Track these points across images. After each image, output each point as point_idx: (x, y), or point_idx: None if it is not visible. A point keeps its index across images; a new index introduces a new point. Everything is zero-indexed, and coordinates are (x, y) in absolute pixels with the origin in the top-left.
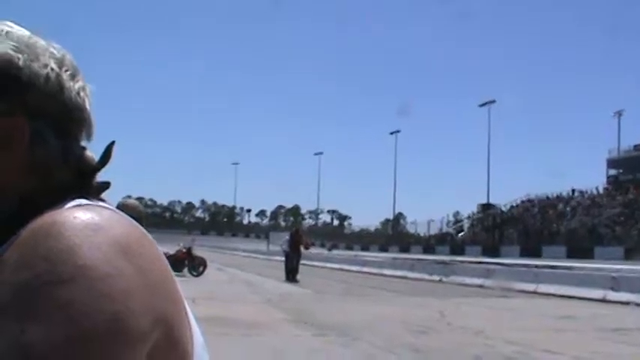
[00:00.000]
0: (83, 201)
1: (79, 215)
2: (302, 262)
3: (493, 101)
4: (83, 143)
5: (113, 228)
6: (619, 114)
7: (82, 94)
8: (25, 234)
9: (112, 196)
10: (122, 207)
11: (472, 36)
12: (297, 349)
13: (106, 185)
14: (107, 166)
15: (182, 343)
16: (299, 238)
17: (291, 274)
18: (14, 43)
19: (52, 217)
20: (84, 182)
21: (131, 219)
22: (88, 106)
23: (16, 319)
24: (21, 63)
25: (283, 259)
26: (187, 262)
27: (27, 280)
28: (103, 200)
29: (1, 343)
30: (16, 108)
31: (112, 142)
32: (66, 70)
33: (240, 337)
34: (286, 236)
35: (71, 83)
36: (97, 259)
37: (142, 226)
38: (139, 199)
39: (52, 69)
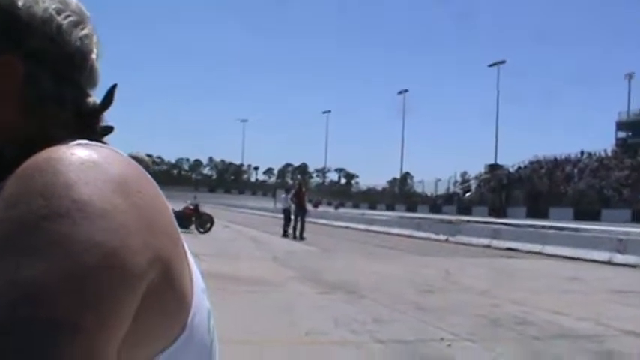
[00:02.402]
0: (83, 141)
1: (76, 152)
2: (309, 220)
3: (503, 62)
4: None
5: (111, 165)
6: (630, 76)
7: (86, 41)
8: (20, 170)
9: (123, 152)
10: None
11: None
12: (302, 306)
13: (109, 129)
14: (117, 124)
15: (180, 283)
16: (302, 194)
17: (293, 231)
18: None
19: (49, 153)
20: (85, 125)
21: (130, 158)
22: (93, 55)
23: (11, 254)
24: (20, 4)
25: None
26: (194, 219)
27: (22, 215)
28: (105, 143)
29: None
30: (11, 46)
31: (114, 85)
32: (68, 16)
33: (246, 293)
34: (282, 194)
35: (74, 29)
36: (94, 194)
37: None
38: (148, 156)
39: (51, 14)
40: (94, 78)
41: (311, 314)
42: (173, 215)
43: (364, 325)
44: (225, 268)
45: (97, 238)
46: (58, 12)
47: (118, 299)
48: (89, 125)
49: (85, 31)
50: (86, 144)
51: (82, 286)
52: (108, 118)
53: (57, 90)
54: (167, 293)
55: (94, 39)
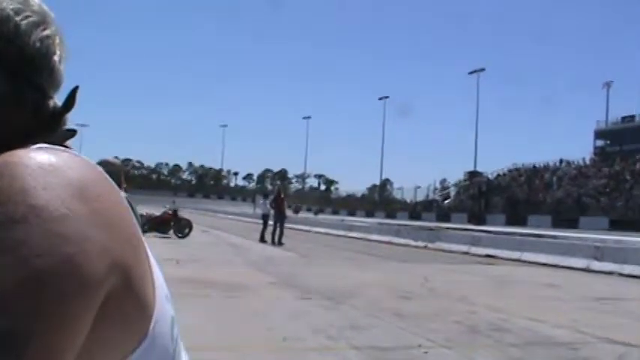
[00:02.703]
0: (44, 145)
1: (34, 156)
2: (288, 226)
3: (483, 69)
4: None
5: (70, 169)
6: (608, 85)
7: (47, 42)
8: None
9: (102, 156)
10: (102, 163)
11: (460, 4)
12: (279, 312)
13: (72, 132)
14: (96, 127)
15: (142, 290)
16: (281, 200)
17: (272, 237)
18: None
19: (6, 157)
20: (46, 128)
21: (93, 163)
22: (55, 56)
23: None
24: None
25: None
26: (173, 224)
27: None
28: (67, 147)
29: None
30: None
31: (76, 87)
32: (27, 17)
33: (223, 298)
34: (261, 199)
35: (34, 30)
36: (51, 199)
37: (121, 182)
38: (127, 160)
39: (9, 14)
40: (56, 80)
41: (288, 320)
42: (135, 220)
43: (341, 332)
44: (203, 274)
45: (53, 244)
46: (17, 12)
47: (74, 307)
48: (50, 128)
49: (46, 32)
50: (46, 147)
51: (37, 293)
52: (82, 119)
53: (15, 92)
54: (127, 301)
55: (57, 40)
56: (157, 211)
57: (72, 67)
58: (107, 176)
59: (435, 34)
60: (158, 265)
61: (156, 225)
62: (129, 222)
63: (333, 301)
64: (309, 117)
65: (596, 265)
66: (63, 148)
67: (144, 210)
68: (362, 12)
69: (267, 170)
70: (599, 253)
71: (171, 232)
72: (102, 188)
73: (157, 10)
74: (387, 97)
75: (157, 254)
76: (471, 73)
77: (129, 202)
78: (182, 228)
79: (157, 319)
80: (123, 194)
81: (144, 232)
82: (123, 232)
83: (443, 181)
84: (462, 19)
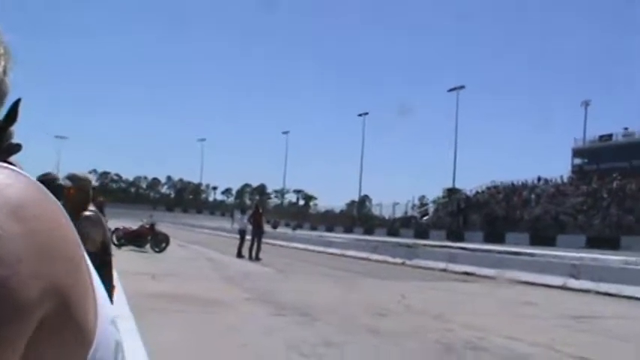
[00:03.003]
0: None
1: None
2: (266, 241)
3: (462, 87)
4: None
5: (8, 187)
6: (586, 104)
7: None
8: None
9: (81, 169)
10: (70, 177)
11: (440, 22)
12: (253, 328)
13: (16, 147)
14: (76, 140)
15: (81, 315)
16: (259, 215)
17: (249, 252)
18: None
19: None
20: None
21: (34, 181)
22: None
23: None
24: None
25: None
26: (150, 238)
27: None
28: (10, 163)
29: None
30: None
31: (18, 100)
32: None
33: (197, 314)
34: (239, 214)
35: None
36: None
37: (89, 196)
38: (105, 173)
39: None
40: (0, 92)
41: (262, 336)
42: (79, 242)
43: (315, 349)
44: (179, 289)
45: None
46: None
47: (6, 332)
48: None
49: None
50: None
51: None
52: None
53: None
54: (64, 325)
55: (2, 50)
56: (134, 225)
57: (50, 77)
58: (50, 195)
59: (415, 51)
60: (120, 281)
61: (132, 239)
62: (71, 243)
63: (308, 317)
64: (287, 132)
65: (574, 282)
66: (5, 165)
67: (121, 224)
68: (341, 28)
69: (246, 185)
70: (576, 271)
71: (148, 246)
72: (41, 208)
73: (135, 20)
74: (366, 114)
75: (133, 268)
76: (450, 90)
77: (97, 218)
78: (159, 242)
79: (98, 346)
80: (91, 209)
81: (120, 245)
82: (63, 253)
83: (422, 197)
84: (442, 35)
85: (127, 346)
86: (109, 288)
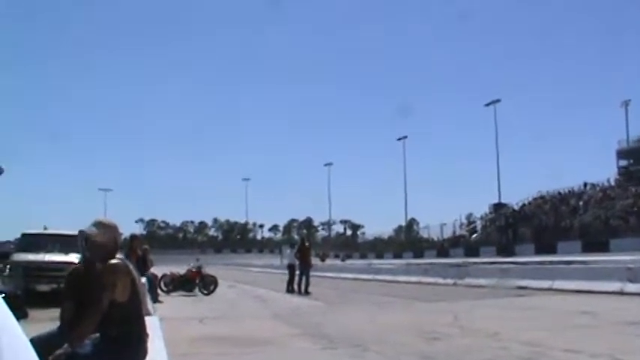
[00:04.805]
0: None
1: None
2: (316, 274)
3: (498, 100)
4: None
5: None
6: (626, 104)
7: None
8: None
9: (128, 218)
10: (97, 224)
11: (473, 35)
12: None
13: None
14: (120, 191)
15: None
16: (306, 249)
17: (298, 287)
18: None
19: None
20: None
21: None
22: None
23: None
24: None
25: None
26: (198, 281)
27: None
28: None
29: None
30: None
31: None
32: None
33: (243, 355)
34: (288, 249)
35: None
36: None
37: (133, 244)
38: (152, 220)
39: None
40: None
41: None
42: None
43: None
44: (226, 330)
45: None
46: None
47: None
48: None
49: None
50: None
51: None
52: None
53: None
54: None
55: None
56: (182, 270)
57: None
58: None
59: (448, 68)
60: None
61: (181, 284)
62: None
63: (359, 349)
64: (330, 163)
65: (631, 287)
66: None
67: (168, 269)
68: (372, 52)
69: (293, 220)
70: (632, 274)
71: (197, 290)
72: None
73: (172, 64)
74: (405, 137)
75: (182, 314)
76: (487, 105)
77: (124, 266)
78: (207, 285)
79: None
80: (119, 257)
81: (168, 291)
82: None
83: (469, 215)
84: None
85: None
86: (144, 337)
